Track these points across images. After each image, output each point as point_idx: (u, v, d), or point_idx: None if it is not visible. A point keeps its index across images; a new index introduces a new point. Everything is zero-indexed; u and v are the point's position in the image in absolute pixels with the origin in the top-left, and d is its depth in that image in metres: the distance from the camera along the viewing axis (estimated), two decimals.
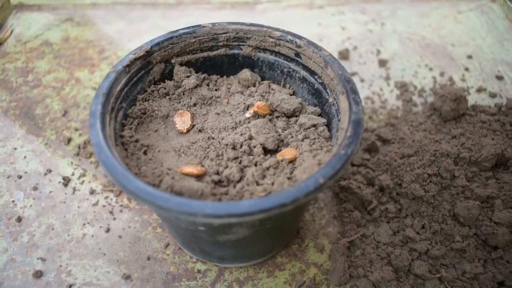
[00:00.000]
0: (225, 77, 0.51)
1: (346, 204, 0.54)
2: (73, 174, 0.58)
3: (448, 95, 0.62)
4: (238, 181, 0.40)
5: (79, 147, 0.61)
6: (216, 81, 0.51)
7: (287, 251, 0.51)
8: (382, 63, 0.74)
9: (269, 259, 0.50)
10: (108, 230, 0.52)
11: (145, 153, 0.42)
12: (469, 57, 0.75)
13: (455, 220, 0.51)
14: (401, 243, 0.50)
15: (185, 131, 0.45)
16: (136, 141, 0.43)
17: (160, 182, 0.38)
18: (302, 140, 0.44)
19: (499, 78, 0.71)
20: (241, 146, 0.43)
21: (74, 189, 0.56)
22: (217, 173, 0.41)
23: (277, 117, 0.47)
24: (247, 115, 0.46)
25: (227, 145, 0.43)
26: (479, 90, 0.69)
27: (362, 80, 0.71)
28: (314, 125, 0.45)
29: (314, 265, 0.50)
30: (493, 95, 0.68)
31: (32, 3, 0.86)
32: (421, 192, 0.51)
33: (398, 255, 0.49)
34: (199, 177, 0.40)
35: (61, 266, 0.50)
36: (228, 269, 0.50)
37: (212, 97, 0.49)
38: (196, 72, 0.50)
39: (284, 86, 0.50)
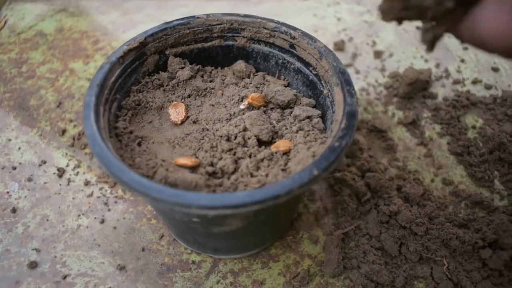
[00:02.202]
0: (219, 68, 0.51)
1: (340, 195, 0.54)
2: (67, 165, 0.58)
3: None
4: (232, 173, 0.40)
5: (73, 138, 0.60)
6: (210, 72, 0.51)
7: (281, 243, 0.51)
8: (378, 54, 0.73)
9: (264, 251, 0.50)
10: (102, 221, 0.52)
11: (139, 144, 0.42)
12: (465, 48, 0.75)
13: None
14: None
15: (179, 122, 0.45)
16: (130, 132, 0.43)
17: (154, 173, 0.38)
18: (297, 132, 0.44)
19: (495, 70, 0.71)
20: (236, 137, 0.43)
21: (69, 180, 0.56)
22: (211, 164, 0.41)
23: (271, 108, 0.47)
24: (242, 106, 0.46)
25: (221, 136, 0.43)
26: (475, 81, 0.69)
27: (357, 72, 0.71)
28: (308, 117, 0.44)
29: (309, 256, 0.50)
30: (488, 87, 0.68)
31: None
32: None
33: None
34: (193, 168, 0.40)
35: (56, 257, 0.50)
36: (223, 260, 0.50)
37: (206, 88, 0.48)
38: (191, 64, 0.50)
39: (278, 77, 0.50)
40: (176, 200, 0.33)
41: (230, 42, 0.50)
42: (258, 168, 0.40)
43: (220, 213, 0.33)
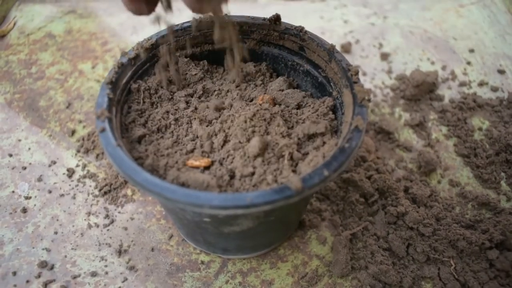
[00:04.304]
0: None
1: (348, 196, 0.54)
2: (77, 166, 0.58)
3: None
4: (243, 174, 0.40)
5: (83, 139, 0.61)
6: (220, 73, 0.51)
7: (289, 243, 0.51)
8: (384, 56, 0.74)
9: (272, 251, 0.51)
10: (112, 222, 0.53)
11: (150, 144, 0.43)
12: (471, 51, 0.75)
13: None
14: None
15: (190, 123, 0.46)
16: (142, 133, 0.43)
17: (166, 173, 0.39)
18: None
19: (501, 72, 0.71)
20: (245, 138, 0.43)
21: (79, 181, 0.57)
22: (222, 165, 0.41)
23: (282, 110, 0.47)
24: (251, 108, 0.46)
25: (231, 137, 0.43)
26: (481, 84, 0.69)
27: (364, 74, 0.71)
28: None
29: (317, 257, 0.50)
30: (494, 89, 0.68)
31: None
32: None
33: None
34: (205, 168, 0.40)
35: (66, 256, 0.50)
36: (232, 261, 0.50)
37: (216, 89, 0.49)
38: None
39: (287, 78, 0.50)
40: (188, 200, 0.33)
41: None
42: (268, 169, 0.40)
43: (231, 213, 0.33)
